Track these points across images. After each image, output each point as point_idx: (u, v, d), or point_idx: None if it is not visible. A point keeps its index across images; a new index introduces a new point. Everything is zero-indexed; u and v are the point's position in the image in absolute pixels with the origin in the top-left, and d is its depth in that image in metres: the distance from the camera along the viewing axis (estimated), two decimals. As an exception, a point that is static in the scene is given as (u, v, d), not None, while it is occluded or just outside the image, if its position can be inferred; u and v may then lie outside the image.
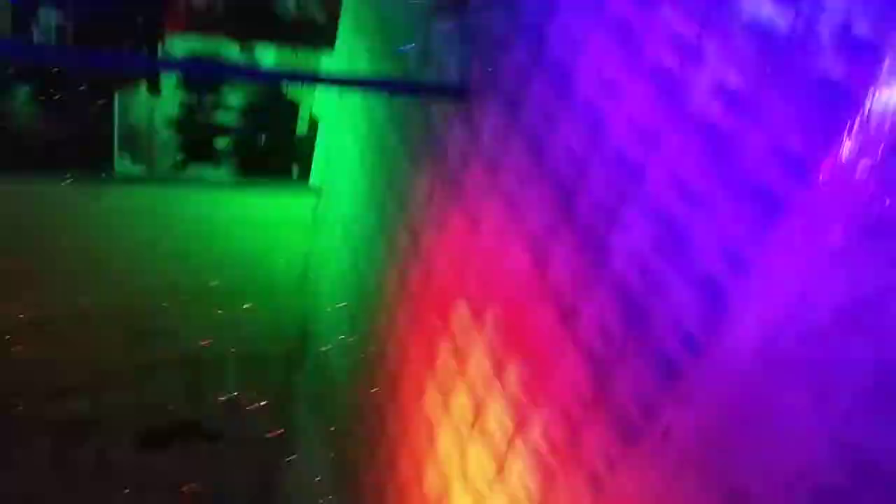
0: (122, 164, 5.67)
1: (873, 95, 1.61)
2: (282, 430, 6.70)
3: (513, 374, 3.04)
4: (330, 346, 5.66)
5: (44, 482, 6.33)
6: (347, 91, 4.95)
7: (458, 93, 3.48)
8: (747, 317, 1.94)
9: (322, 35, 5.45)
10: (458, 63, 3.52)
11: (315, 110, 5.84)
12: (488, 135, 3.24)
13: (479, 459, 3.29)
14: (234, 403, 6.51)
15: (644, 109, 2.28)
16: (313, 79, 5.54)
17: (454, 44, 3.57)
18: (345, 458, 5.19)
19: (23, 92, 5.28)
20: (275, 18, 5.39)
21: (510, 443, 3.04)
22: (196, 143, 5.81)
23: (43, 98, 5.22)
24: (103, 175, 5.60)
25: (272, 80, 5.49)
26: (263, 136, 5.89)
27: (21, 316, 5.83)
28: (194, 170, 5.88)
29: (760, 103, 1.88)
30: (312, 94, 5.82)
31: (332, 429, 5.56)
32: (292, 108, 5.82)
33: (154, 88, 5.53)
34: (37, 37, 5.13)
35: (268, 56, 5.58)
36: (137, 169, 5.73)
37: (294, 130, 5.92)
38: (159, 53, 5.36)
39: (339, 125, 5.40)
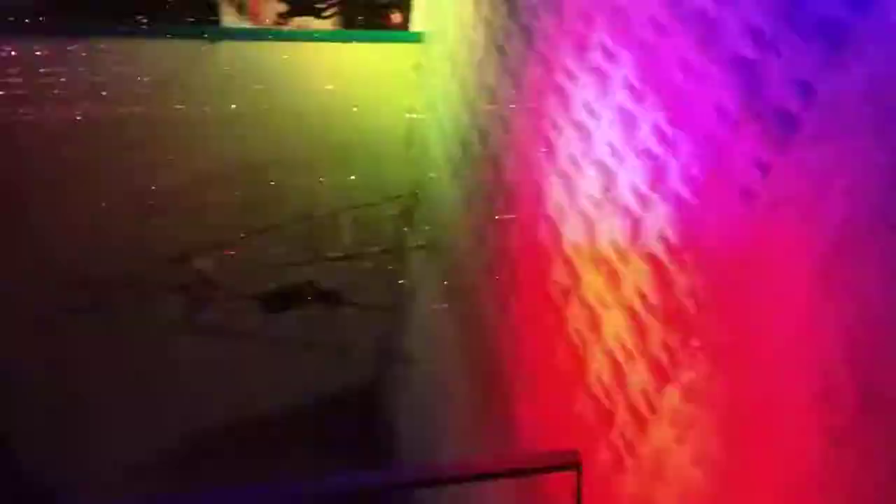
0: (228, 17, 5.71)
1: None
2: (399, 291, 6.77)
3: (646, 127, 2.89)
4: (442, 194, 5.62)
5: (172, 342, 6.62)
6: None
7: None
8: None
9: None
10: None
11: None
12: None
13: (610, 229, 3.19)
14: (349, 265, 6.60)
15: None
16: None
17: None
18: (461, 288, 5.19)
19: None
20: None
21: (652, 188, 2.91)
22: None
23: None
24: (209, 31, 5.65)
25: None
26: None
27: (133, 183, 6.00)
28: (298, 21, 5.87)
29: None
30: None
31: (449, 273, 5.55)
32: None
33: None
34: None
35: None
36: (243, 22, 5.76)
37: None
38: None
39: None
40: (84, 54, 5.37)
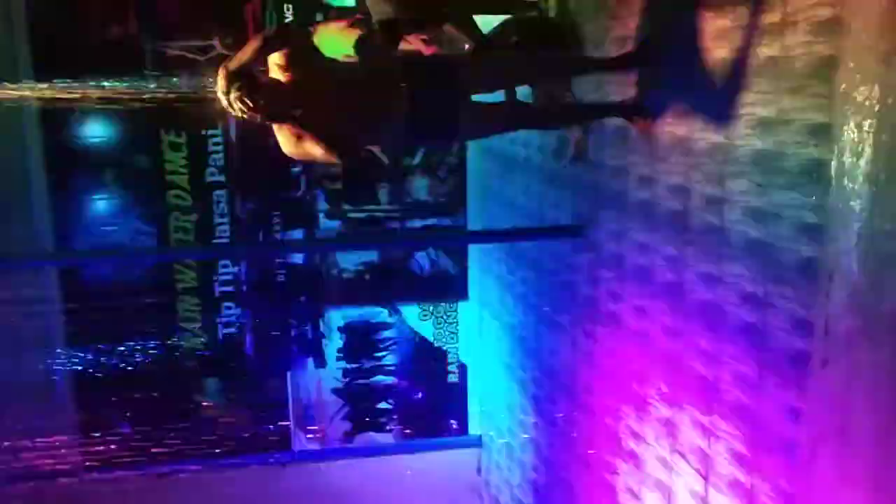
0: (299, 441, 6.16)
1: None
2: None
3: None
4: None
5: None
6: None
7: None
8: None
9: (455, 287, 6.22)
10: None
11: (462, 356, 6.36)
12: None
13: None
14: None
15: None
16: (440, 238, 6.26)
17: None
18: None
19: (211, 383, 6.08)
20: (412, 278, 6.20)
21: None
22: (361, 409, 6.28)
23: (228, 388, 6.03)
24: (280, 456, 6.06)
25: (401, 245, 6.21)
26: (420, 393, 6.34)
27: None
28: (363, 438, 6.27)
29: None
30: (457, 340, 6.37)
31: None
32: (440, 356, 6.34)
33: (320, 361, 6.20)
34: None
35: (411, 314, 6.29)
36: (311, 445, 6.18)
37: (446, 380, 6.36)
38: (321, 328, 6.16)
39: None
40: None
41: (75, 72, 5.33)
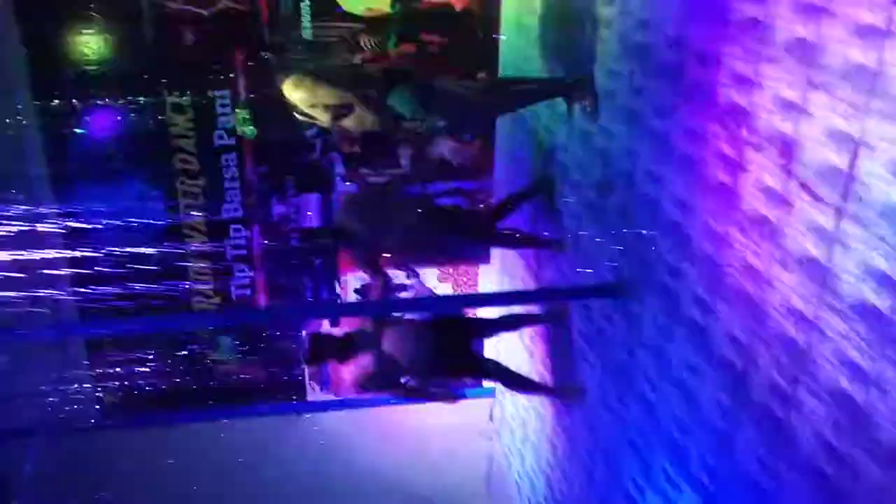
0: (314, 392, 6.21)
1: None
2: None
3: None
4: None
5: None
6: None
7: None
8: None
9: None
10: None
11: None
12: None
13: None
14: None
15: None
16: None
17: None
18: None
19: (225, 341, 6.03)
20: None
21: None
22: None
23: (242, 345, 6.00)
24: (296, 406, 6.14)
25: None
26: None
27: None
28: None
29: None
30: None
31: None
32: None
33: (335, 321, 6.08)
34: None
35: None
36: (326, 396, 6.22)
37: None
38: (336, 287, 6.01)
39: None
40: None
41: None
